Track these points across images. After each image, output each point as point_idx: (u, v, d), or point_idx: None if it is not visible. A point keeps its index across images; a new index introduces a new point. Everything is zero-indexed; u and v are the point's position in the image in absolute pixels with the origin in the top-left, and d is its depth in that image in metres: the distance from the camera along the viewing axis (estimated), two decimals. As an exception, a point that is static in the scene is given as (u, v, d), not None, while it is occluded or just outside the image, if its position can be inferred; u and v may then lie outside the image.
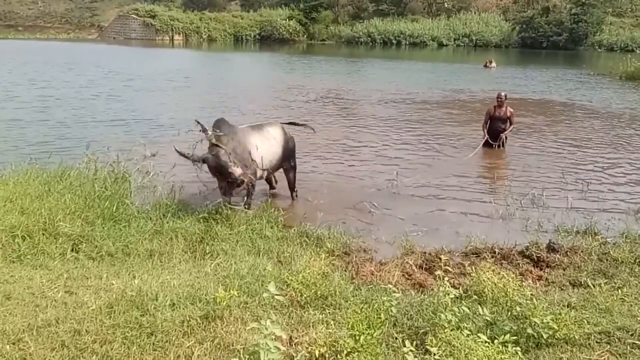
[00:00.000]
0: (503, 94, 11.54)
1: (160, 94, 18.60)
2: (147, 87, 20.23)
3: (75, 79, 22.06)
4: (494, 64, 31.35)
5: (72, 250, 5.27)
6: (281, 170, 7.95)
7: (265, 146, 7.27)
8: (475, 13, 58.92)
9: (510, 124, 11.43)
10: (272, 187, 8.37)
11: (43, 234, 5.38)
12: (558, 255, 5.77)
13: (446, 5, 61.17)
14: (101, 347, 3.52)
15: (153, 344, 3.58)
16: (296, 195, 8.09)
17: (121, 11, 62.49)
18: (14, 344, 3.54)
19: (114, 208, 6.15)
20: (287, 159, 7.81)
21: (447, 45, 55.32)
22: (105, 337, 3.62)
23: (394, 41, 56.31)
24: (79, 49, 42.97)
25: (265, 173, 7.41)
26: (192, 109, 14.79)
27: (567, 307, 4.34)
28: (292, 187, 8.04)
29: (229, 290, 4.06)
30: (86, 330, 3.69)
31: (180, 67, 29.18)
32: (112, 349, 3.49)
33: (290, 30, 58.13)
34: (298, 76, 25.81)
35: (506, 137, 11.44)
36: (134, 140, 10.88)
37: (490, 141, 11.23)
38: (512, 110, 11.50)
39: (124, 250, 5.30)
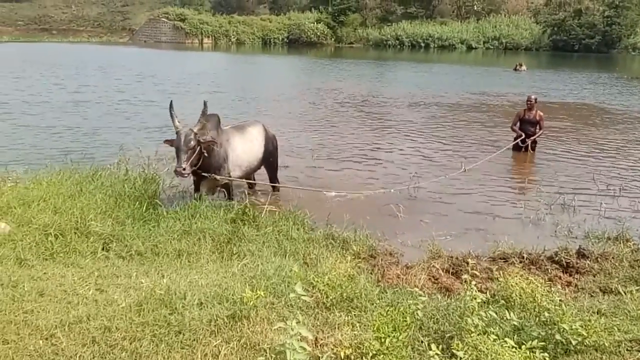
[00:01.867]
0: (533, 97, 11.44)
1: (190, 97, 18.81)
2: (177, 91, 20.47)
3: (107, 82, 22.46)
4: (524, 67, 31.02)
5: (102, 249, 5.37)
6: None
7: (245, 147, 7.42)
8: (505, 16, 58.37)
9: (540, 129, 11.29)
10: (250, 187, 8.37)
11: (75, 233, 5.49)
12: (588, 262, 5.67)
13: (475, 8, 60.72)
14: (130, 344, 3.58)
15: (181, 342, 3.63)
16: (278, 190, 8.27)
17: (152, 15, 63.46)
18: (46, 339, 3.63)
19: (144, 208, 6.25)
20: (268, 158, 7.96)
21: (477, 48, 54.91)
22: (134, 335, 3.68)
23: (422, 44, 56.08)
24: (111, 52, 43.69)
25: (244, 173, 7.53)
26: (222, 111, 14.90)
27: (597, 313, 4.26)
28: (272, 182, 8.21)
29: (256, 291, 4.09)
30: (116, 327, 3.75)
31: (211, 70, 29.50)
32: (141, 346, 3.55)
33: (318, 34, 58.32)
34: (326, 79, 25.87)
35: (536, 142, 11.31)
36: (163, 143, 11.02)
37: (520, 144, 11.10)
38: (542, 114, 11.37)
39: (153, 250, 5.38)
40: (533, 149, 11.27)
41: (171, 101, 6.74)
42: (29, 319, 3.87)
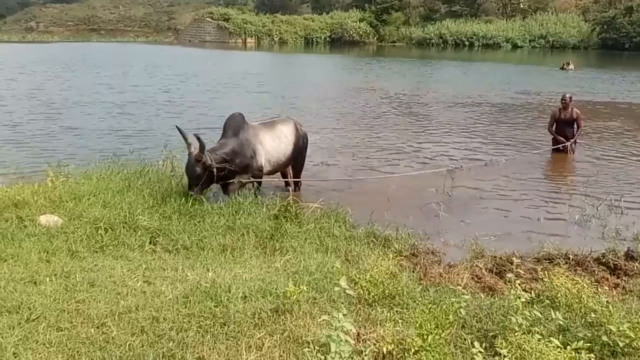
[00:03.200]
0: (568, 95, 11.01)
1: (233, 96, 19.08)
2: (220, 90, 20.79)
3: (153, 82, 22.97)
4: (571, 66, 30.26)
5: (150, 242, 5.52)
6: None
7: (274, 143, 7.51)
8: (552, 13, 57.02)
9: (578, 127, 10.92)
10: (287, 185, 8.41)
11: (123, 227, 5.67)
12: (637, 264, 5.53)
13: (522, 6, 59.55)
14: (177, 334, 3.69)
15: (226, 333, 3.71)
16: (298, 189, 8.33)
17: (196, 15, 64.55)
18: (98, 327, 3.77)
19: (189, 204, 6.38)
20: (297, 156, 8.00)
21: (522, 46, 53.81)
22: (181, 325, 3.79)
23: (467, 43, 55.27)
24: (157, 51, 44.58)
25: (272, 169, 7.62)
26: (263, 109, 15.09)
27: (646, 316, 4.16)
28: (296, 180, 8.29)
29: (298, 286, 4.15)
30: (164, 318, 3.87)
31: (254, 69, 29.81)
32: (187, 337, 3.65)
33: (361, 32, 58.17)
34: (368, 78, 25.81)
35: (575, 142, 10.97)
36: (208, 140, 11.19)
37: (560, 146, 10.78)
38: (578, 112, 10.96)
39: (198, 244, 5.49)
40: (572, 150, 10.89)
41: (177, 126, 6.91)
42: (81, 308, 4.02)
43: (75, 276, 4.54)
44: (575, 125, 10.93)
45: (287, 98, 18.94)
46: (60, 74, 24.69)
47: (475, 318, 4.04)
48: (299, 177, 8.32)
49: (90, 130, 12.69)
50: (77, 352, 3.49)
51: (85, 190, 6.52)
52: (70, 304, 4.08)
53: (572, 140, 10.81)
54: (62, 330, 3.71)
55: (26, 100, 17.05)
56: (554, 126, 11.09)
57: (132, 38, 64.65)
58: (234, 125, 7.09)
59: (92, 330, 3.73)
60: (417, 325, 3.64)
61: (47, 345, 3.53)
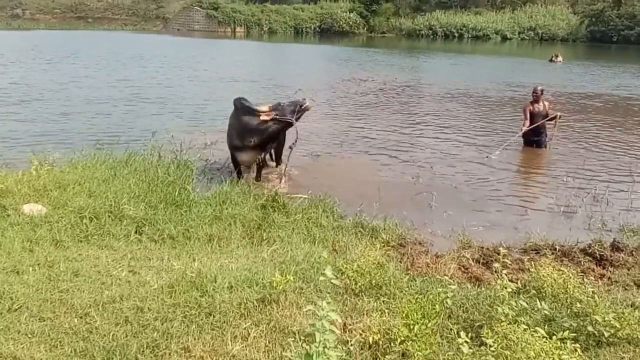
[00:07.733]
0: (540, 88, 10.72)
1: (223, 85, 18.93)
2: (209, 79, 20.62)
3: (140, 71, 22.73)
4: (560, 59, 30.30)
5: (135, 232, 5.48)
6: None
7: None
8: (541, 6, 57.03)
9: (551, 119, 10.56)
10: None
11: (109, 216, 5.62)
12: (623, 255, 5.57)
13: (511, -2, 59.52)
14: (162, 324, 3.66)
15: (211, 323, 3.70)
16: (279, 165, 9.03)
17: (185, 3, 63.85)
18: (81, 317, 3.73)
19: (176, 193, 6.34)
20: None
21: (511, 38, 53.83)
22: (166, 315, 3.76)
23: (456, 34, 55.19)
24: (144, 40, 44.15)
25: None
26: (252, 99, 14.96)
27: (631, 307, 4.18)
28: (279, 157, 9.02)
29: (285, 276, 4.14)
30: (148, 308, 3.84)
31: (243, 59, 29.61)
32: (172, 327, 3.63)
33: (351, 23, 57.89)
34: (356, 69, 25.70)
35: (546, 134, 10.64)
36: (195, 130, 11.12)
37: (527, 138, 10.55)
38: (547, 104, 10.74)
39: (184, 234, 5.47)
40: (545, 145, 10.60)
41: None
42: (65, 297, 3.99)
43: (59, 266, 4.51)
44: (547, 117, 10.52)
45: (276, 88, 18.81)
46: (46, 64, 24.30)
47: (462, 308, 4.04)
48: (281, 156, 8.96)
49: (76, 118, 12.52)
50: (60, 342, 3.46)
51: (70, 179, 6.46)
52: (53, 293, 4.04)
53: (545, 134, 10.51)
54: (44, 320, 3.68)
55: (12, 90, 16.74)
56: (528, 120, 10.56)
57: (120, 26, 63.93)
58: (242, 105, 7.74)
59: (76, 320, 3.70)
60: (404, 315, 3.64)
61: (29, 336, 3.50)
